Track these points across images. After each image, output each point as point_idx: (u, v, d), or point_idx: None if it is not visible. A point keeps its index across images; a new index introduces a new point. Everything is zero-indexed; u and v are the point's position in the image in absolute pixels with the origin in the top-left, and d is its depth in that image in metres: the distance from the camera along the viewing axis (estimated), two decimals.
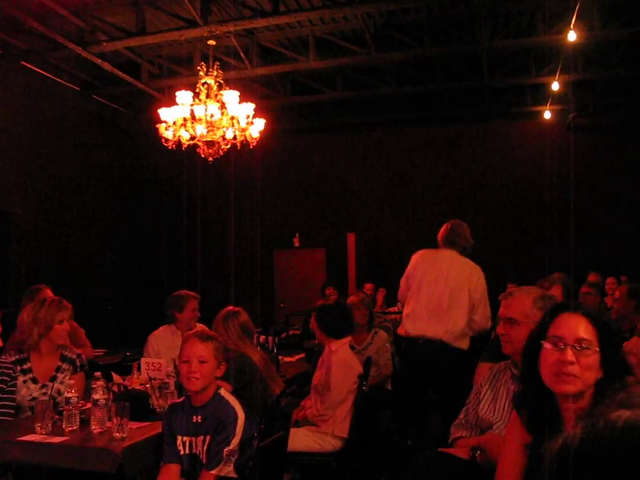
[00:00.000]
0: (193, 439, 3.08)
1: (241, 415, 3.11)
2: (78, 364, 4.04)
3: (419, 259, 5.13)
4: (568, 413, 2.03)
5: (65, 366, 3.97)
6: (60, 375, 3.94)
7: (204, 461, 3.05)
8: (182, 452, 3.09)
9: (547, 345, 2.04)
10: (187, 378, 3.06)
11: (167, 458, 3.08)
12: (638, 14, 8.69)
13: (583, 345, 2.01)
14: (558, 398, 2.06)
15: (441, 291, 4.88)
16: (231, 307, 4.28)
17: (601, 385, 2.01)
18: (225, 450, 3.01)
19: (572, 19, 8.00)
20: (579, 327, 2.04)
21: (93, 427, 3.15)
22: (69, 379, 3.87)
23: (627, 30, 8.99)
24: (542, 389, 2.06)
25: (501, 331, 2.94)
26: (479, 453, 2.71)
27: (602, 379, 2.02)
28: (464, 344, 4.91)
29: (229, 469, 3.02)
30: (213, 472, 3.00)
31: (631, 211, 11.84)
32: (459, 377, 4.55)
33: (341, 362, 4.31)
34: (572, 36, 8.20)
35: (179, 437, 3.09)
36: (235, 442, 3.05)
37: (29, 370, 3.85)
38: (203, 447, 3.07)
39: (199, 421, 3.08)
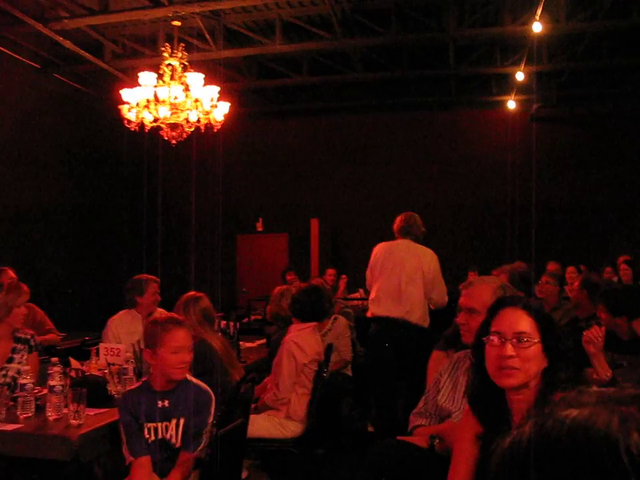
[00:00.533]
0: (160, 424, 3.01)
1: (213, 396, 3.13)
2: (32, 344, 4.05)
3: (379, 250, 5.70)
4: (515, 404, 2.11)
5: (19, 346, 3.98)
6: (17, 356, 3.95)
7: (177, 445, 3.01)
8: (149, 440, 3.00)
9: (490, 341, 2.12)
10: (177, 368, 3.01)
11: (137, 451, 2.93)
12: (602, 7, 8.78)
13: (522, 338, 2.08)
14: (505, 390, 2.13)
15: (398, 275, 5.42)
16: (192, 292, 4.24)
17: (546, 374, 2.09)
18: (205, 430, 3.04)
19: (538, 10, 8.05)
20: (518, 321, 2.11)
21: (49, 414, 3.10)
22: (26, 358, 3.91)
23: (591, 23, 9.09)
24: (489, 382, 2.13)
25: (461, 321, 2.96)
26: (437, 441, 2.73)
27: (547, 368, 2.10)
28: (425, 322, 5.48)
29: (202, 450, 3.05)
30: (195, 453, 3.01)
31: (592, 201, 12.03)
32: (421, 353, 4.71)
33: (290, 344, 4.33)
34: (537, 27, 8.27)
35: (145, 424, 2.99)
36: (210, 423, 3.08)
37: None
38: (176, 430, 3.02)
39: (166, 405, 3.02)
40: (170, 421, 3.02)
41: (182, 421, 3.03)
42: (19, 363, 3.92)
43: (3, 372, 3.86)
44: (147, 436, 2.98)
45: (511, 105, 12.02)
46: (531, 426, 0.77)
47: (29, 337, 4.05)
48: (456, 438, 2.33)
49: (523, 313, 2.13)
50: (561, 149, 12.28)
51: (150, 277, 5.32)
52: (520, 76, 10.47)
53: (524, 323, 2.11)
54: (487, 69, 11.28)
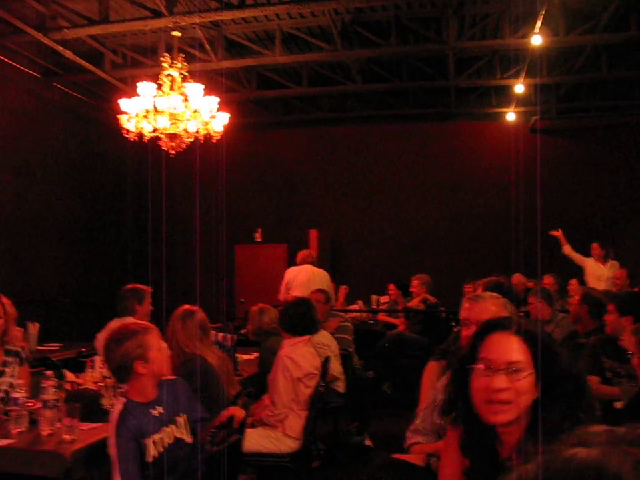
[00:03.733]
0: (164, 432, 2.94)
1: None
2: (23, 356, 4.02)
3: (292, 271, 8.34)
4: (505, 436, 1.86)
5: (10, 359, 3.94)
6: (8, 370, 3.90)
7: (188, 440, 2.99)
8: (152, 455, 2.84)
9: (477, 369, 1.85)
10: (166, 362, 3.03)
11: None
12: (601, 20, 8.79)
13: (515, 369, 1.81)
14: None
15: (313, 281, 7.83)
16: (187, 306, 4.18)
17: (539, 405, 1.80)
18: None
19: (537, 23, 8.06)
20: (510, 349, 1.84)
21: (42, 429, 3.06)
22: (17, 371, 3.88)
23: (591, 36, 9.09)
24: (475, 415, 1.86)
25: (467, 334, 2.86)
26: (434, 460, 2.70)
27: (537, 399, 1.82)
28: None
29: None
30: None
31: (592, 212, 12.02)
32: None
33: (284, 360, 4.29)
34: (537, 40, 8.28)
35: (148, 439, 2.85)
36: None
37: None
38: (180, 429, 2.99)
39: (161, 411, 2.95)
40: (169, 425, 2.97)
41: (183, 418, 3.01)
42: (11, 376, 3.87)
43: None
44: (153, 451, 2.85)
45: (511, 116, 12.03)
46: (537, 465, 0.75)
47: (19, 349, 4.01)
48: (440, 469, 2.10)
49: (515, 339, 1.86)
50: (561, 160, 12.28)
51: (145, 286, 5.30)
52: (520, 88, 10.49)
53: (517, 350, 1.84)
54: (486, 80, 11.31)
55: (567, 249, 9.26)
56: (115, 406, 2.94)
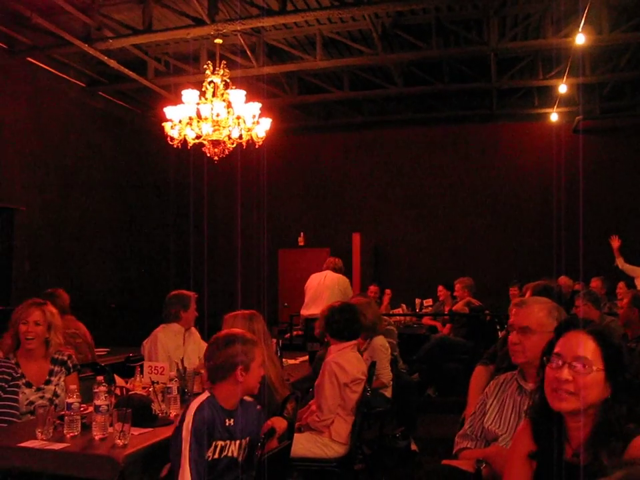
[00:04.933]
0: (227, 442, 2.99)
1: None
2: (70, 365, 4.09)
3: (311, 276, 8.53)
4: (573, 431, 2.07)
5: (56, 368, 4.02)
6: (54, 379, 3.99)
7: (240, 459, 3.03)
8: (210, 457, 2.93)
9: (550, 361, 2.10)
10: (259, 382, 3.10)
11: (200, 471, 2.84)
12: None
13: (581, 364, 2.03)
14: (563, 414, 2.08)
15: (320, 289, 8.17)
16: (248, 311, 4.13)
17: (607, 404, 2.02)
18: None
19: (580, 21, 7.95)
20: (579, 346, 2.06)
21: (95, 433, 3.12)
22: (63, 380, 3.99)
23: (635, 33, 8.93)
24: (546, 402, 2.11)
25: (514, 340, 2.88)
26: (484, 465, 2.67)
27: (608, 398, 2.03)
28: None
29: None
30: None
31: (638, 213, 11.80)
32: None
33: (331, 365, 4.28)
34: (581, 39, 8.16)
35: (214, 442, 2.94)
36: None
37: (22, 375, 3.87)
38: (240, 450, 3.02)
39: (232, 424, 3.00)
40: (234, 440, 3.00)
41: (245, 441, 3.04)
42: (56, 385, 3.96)
43: (40, 393, 3.90)
44: (210, 453, 2.93)
45: (554, 117, 11.88)
46: (621, 475, 0.75)
47: (65, 357, 4.08)
48: (508, 456, 2.29)
49: (587, 337, 2.07)
50: (606, 160, 12.10)
51: (190, 292, 5.35)
52: (563, 88, 10.36)
53: (586, 348, 2.05)
54: (528, 81, 11.18)
55: (620, 262, 9.11)
56: (199, 395, 3.05)
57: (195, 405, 2.94)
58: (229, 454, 3.00)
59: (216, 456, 2.95)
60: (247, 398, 3.14)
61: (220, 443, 2.96)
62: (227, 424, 2.99)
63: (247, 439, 3.05)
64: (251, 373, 3.00)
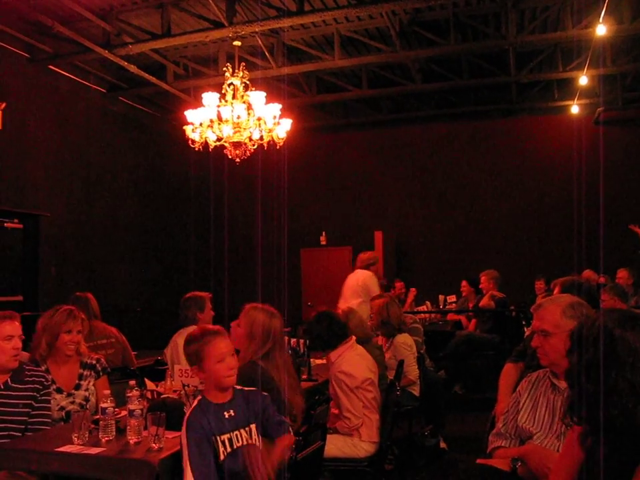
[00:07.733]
0: (232, 433, 2.99)
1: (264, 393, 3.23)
2: (99, 368, 4.12)
3: (348, 275, 8.57)
4: None
5: (86, 372, 4.05)
6: (84, 383, 4.03)
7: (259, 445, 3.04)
8: (223, 454, 2.92)
9: None
10: (227, 376, 3.03)
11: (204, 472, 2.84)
12: None
13: None
14: None
15: (344, 288, 8.36)
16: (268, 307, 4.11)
17: None
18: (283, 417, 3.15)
19: (601, 12, 7.87)
20: None
21: (129, 437, 3.15)
22: (93, 384, 4.03)
23: None
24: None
25: (535, 344, 2.90)
26: (519, 464, 2.67)
27: None
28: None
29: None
30: (291, 433, 3.13)
31: None
32: None
33: (336, 375, 4.29)
34: (601, 30, 8.08)
35: (218, 437, 2.94)
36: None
37: (52, 381, 3.90)
38: (250, 436, 3.03)
39: (233, 415, 3.02)
40: (240, 430, 3.02)
41: (253, 426, 3.06)
42: (86, 389, 4.00)
43: (71, 399, 3.93)
44: (222, 449, 2.93)
45: (575, 109, 11.78)
46: None
47: (94, 361, 4.11)
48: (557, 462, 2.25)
49: None
50: (629, 151, 11.98)
51: (204, 293, 5.38)
52: (583, 80, 10.26)
53: None
54: (548, 74, 11.10)
55: None
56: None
57: (189, 410, 3.01)
58: (244, 442, 3.00)
59: (228, 450, 2.95)
60: (240, 387, 3.16)
61: (225, 436, 2.96)
62: (227, 416, 3.01)
63: (253, 425, 3.06)
64: (207, 369, 3.02)
